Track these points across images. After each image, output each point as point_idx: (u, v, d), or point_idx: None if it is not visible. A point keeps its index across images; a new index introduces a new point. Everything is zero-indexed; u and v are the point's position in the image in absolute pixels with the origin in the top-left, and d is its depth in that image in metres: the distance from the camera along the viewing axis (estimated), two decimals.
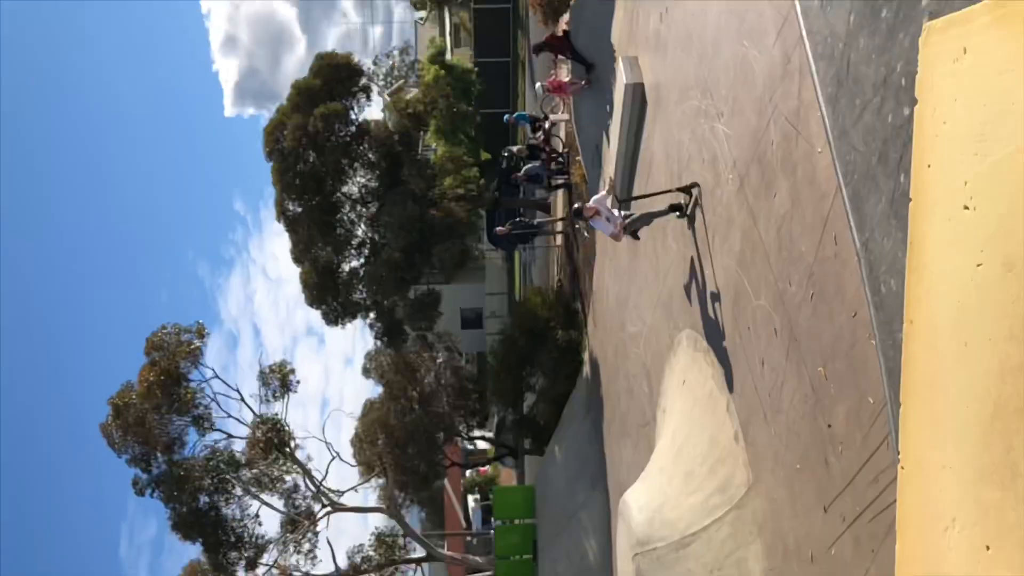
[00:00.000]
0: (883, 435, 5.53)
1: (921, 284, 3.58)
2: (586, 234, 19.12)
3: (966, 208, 3.33)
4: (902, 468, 3.74)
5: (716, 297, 9.53)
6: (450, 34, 42.74)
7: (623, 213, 11.36)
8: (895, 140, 5.03)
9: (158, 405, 22.41)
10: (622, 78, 13.40)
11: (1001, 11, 3.25)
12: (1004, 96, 3.17)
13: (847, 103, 5.81)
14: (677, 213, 10.59)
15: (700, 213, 9.83)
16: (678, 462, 9.95)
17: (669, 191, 10.68)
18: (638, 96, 13.13)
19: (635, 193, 13.10)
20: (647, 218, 11.29)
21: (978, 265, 3.24)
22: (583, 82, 17.59)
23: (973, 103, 3.34)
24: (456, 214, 21.81)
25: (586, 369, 19.15)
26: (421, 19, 47.16)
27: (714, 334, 9.66)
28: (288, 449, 24.33)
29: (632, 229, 11.51)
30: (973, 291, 3.24)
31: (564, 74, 20.37)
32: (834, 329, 6.40)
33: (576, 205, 12.22)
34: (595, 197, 11.47)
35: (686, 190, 10.27)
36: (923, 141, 3.71)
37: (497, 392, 23.04)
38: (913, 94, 4.04)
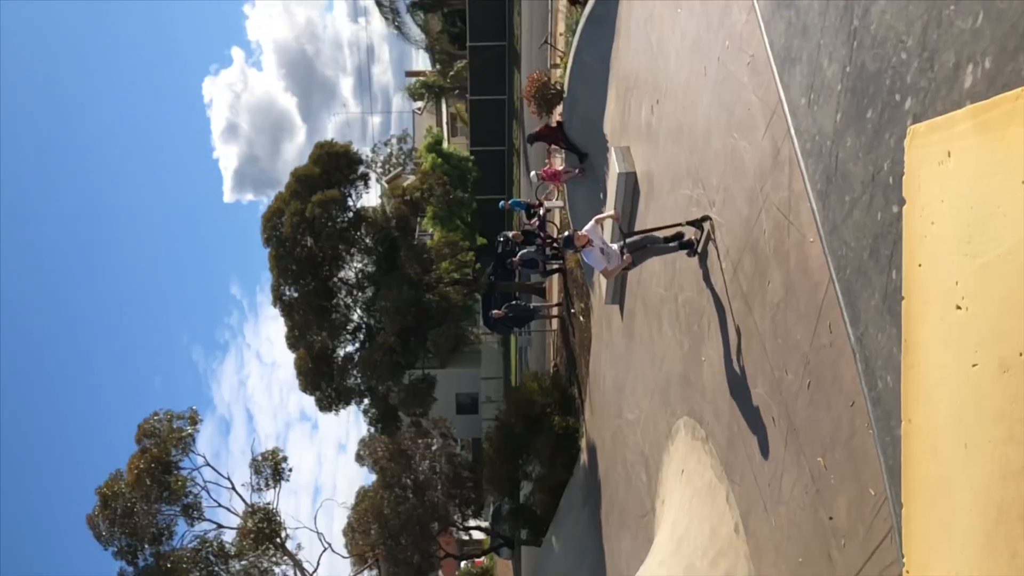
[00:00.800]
0: (886, 529, 5.42)
1: (918, 383, 3.58)
2: (582, 319, 19.16)
3: (959, 308, 3.35)
4: (907, 572, 3.66)
5: (713, 385, 9.49)
6: (447, 123, 43.87)
7: (627, 241, 10.31)
8: (885, 237, 5.10)
9: (147, 494, 21.97)
10: (615, 167, 13.67)
11: (982, 118, 3.35)
12: (989, 199, 3.23)
13: (836, 199, 5.92)
14: (687, 251, 9.94)
15: (713, 248, 9.25)
16: (678, 554, 9.73)
17: (679, 224, 9.96)
18: (631, 185, 13.38)
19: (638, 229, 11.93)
20: (656, 251, 10.43)
21: (974, 365, 3.24)
22: (577, 171, 17.96)
23: (960, 205, 3.41)
24: (452, 298, 21.91)
25: (584, 457, 18.89)
26: (419, 109, 48.42)
27: (712, 422, 9.57)
28: (279, 539, 23.76)
29: (639, 259, 10.49)
30: (970, 392, 3.23)
31: (558, 163, 20.79)
32: (832, 418, 6.35)
33: (566, 233, 11.16)
34: (587, 227, 10.38)
35: (697, 224, 9.56)
36: (913, 241, 3.77)
37: (493, 480, 22.65)
38: (901, 193, 4.13)
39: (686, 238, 9.88)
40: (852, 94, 5.62)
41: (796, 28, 6.68)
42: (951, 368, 3.37)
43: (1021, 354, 2.97)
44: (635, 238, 10.37)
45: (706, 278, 9.63)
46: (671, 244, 10.08)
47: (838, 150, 5.88)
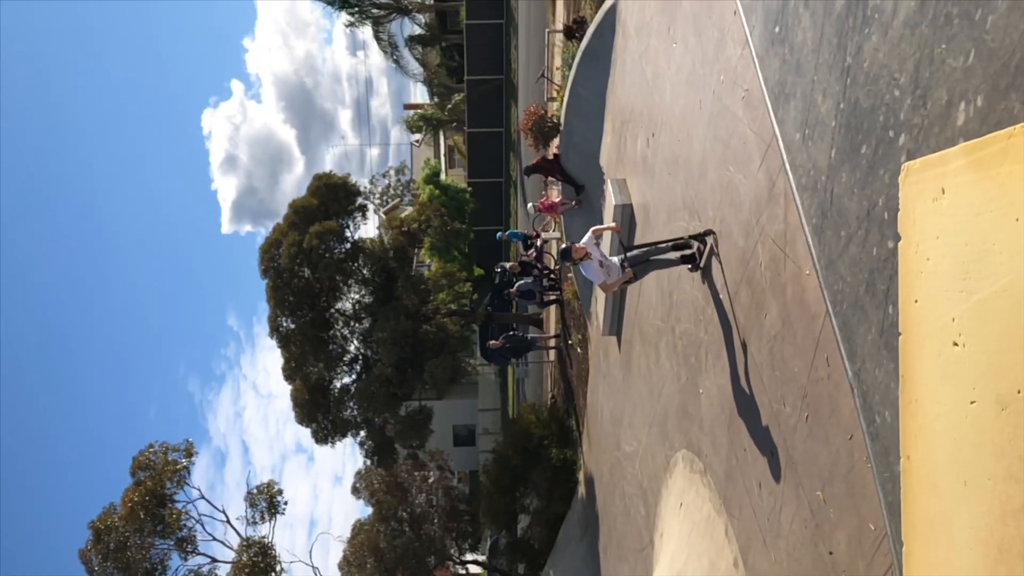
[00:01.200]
0: (887, 565, 5.38)
1: (916, 419, 3.57)
2: (579, 350, 19.13)
3: (955, 344, 3.35)
4: None
5: (711, 417, 9.45)
6: (444, 155, 44.20)
7: (629, 255, 10.05)
8: (881, 272, 5.12)
9: (141, 528, 21.73)
10: (611, 199, 13.73)
11: (975, 155, 3.38)
12: (984, 236, 3.25)
13: (832, 234, 5.95)
14: (689, 265, 9.72)
15: (717, 262, 9.04)
16: None
17: (681, 238, 9.74)
18: (627, 216, 13.43)
19: (637, 243, 11.51)
20: (658, 264, 10.15)
21: (972, 402, 3.23)
22: (573, 202, 18.04)
23: (955, 242, 3.42)
24: (449, 329, 21.88)
25: (581, 489, 18.76)
26: (416, 141, 48.77)
27: (710, 455, 9.53)
28: (274, 573, 23.48)
29: (641, 272, 10.23)
30: (968, 429, 3.22)
31: (555, 195, 20.90)
32: (830, 451, 6.33)
33: (564, 245, 10.55)
34: (584, 239, 10.08)
35: (699, 238, 9.34)
36: (908, 276, 3.78)
37: (490, 513, 22.45)
38: (896, 228, 4.15)
39: (689, 252, 9.67)
40: (846, 130, 5.67)
41: (790, 65, 6.76)
42: (949, 405, 3.36)
43: (1019, 391, 2.97)
44: (636, 252, 10.13)
45: (703, 310, 9.64)
46: (673, 258, 9.87)
47: (833, 185, 5.92)
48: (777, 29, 7.05)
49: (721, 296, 8.95)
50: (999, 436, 3.06)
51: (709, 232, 9.18)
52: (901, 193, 3.98)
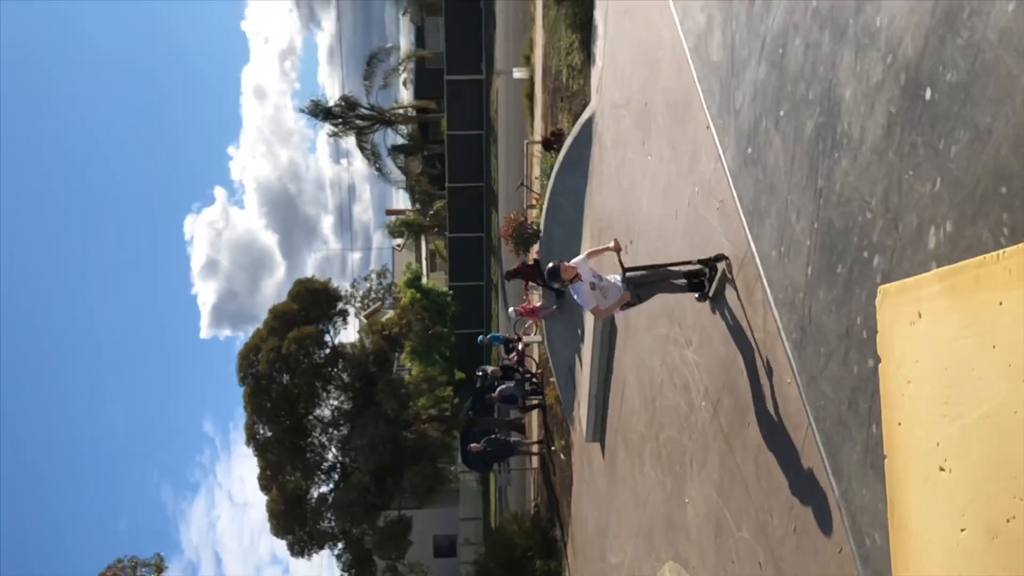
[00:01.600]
0: None
1: (907, 546, 3.53)
2: (563, 456, 18.88)
3: (942, 470, 3.35)
4: None
5: (697, 527, 9.29)
6: (426, 259, 44.67)
7: (628, 276, 9.25)
8: (863, 390, 5.14)
9: None
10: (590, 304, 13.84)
11: (949, 282, 3.47)
12: (963, 362, 3.30)
13: (813, 351, 6.00)
14: (696, 295, 8.91)
15: (732, 288, 8.21)
16: None
17: (689, 262, 8.88)
18: (608, 322, 13.54)
19: (640, 265, 10.01)
20: (663, 288, 9.30)
21: (962, 530, 3.20)
22: (554, 307, 18.18)
23: (934, 366, 3.47)
24: (429, 435, 21.63)
25: None
26: (398, 246, 49.31)
27: (698, 567, 9.31)
28: None
29: (645, 295, 9.36)
30: (961, 557, 3.19)
31: (535, 299, 21.06)
32: (820, 565, 6.22)
33: (552, 264, 9.60)
34: (576, 259, 9.35)
35: (709, 263, 8.53)
36: (891, 399, 3.81)
37: None
38: (875, 348, 4.21)
39: (696, 280, 8.86)
40: (822, 249, 5.80)
41: (764, 185, 6.97)
42: (940, 532, 3.33)
43: (1008, 520, 2.96)
44: (636, 274, 9.38)
45: (687, 416, 9.61)
46: (681, 283, 9.10)
47: (811, 302, 6.02)
48: (749, 150, 7.30)
49: (704, 403, 8.95)
50: (992, 565, 3.03)
51: (721, 257, 8.47)
52: (879, 315, 4.05)
